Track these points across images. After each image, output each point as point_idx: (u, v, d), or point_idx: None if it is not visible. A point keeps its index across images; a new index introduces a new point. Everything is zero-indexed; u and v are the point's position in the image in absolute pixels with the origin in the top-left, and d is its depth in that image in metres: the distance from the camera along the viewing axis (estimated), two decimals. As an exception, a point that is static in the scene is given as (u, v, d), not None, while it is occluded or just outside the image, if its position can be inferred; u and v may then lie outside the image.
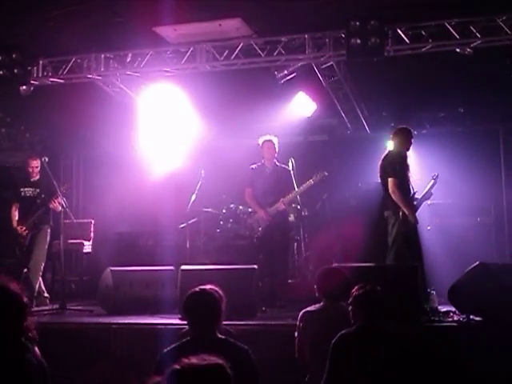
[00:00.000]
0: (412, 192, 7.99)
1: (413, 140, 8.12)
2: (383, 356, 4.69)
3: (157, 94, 10.50)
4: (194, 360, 2.59)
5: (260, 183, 8.97)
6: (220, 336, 4.26)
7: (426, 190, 8.31)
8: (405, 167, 7.93)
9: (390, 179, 7.85)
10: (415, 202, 8.04)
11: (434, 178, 8.39)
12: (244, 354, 4.17)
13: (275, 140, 8.96)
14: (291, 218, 10.06)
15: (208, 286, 5.59)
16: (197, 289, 4.41)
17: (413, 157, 8.33)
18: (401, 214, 7.75)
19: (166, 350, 4.21)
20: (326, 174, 8.76)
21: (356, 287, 5.07)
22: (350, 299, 5.02)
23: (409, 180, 7.95)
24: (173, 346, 4.23)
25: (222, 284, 4.67)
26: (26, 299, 3.48)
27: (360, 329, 4.93)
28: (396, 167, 7.91)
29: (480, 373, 5.89)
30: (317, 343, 5.27)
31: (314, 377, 5.26)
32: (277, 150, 8.96)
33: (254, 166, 9.08)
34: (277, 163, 9.02)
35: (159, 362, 4.15)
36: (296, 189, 8.85)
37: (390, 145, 8.27)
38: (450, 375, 6.02)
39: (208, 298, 4.32)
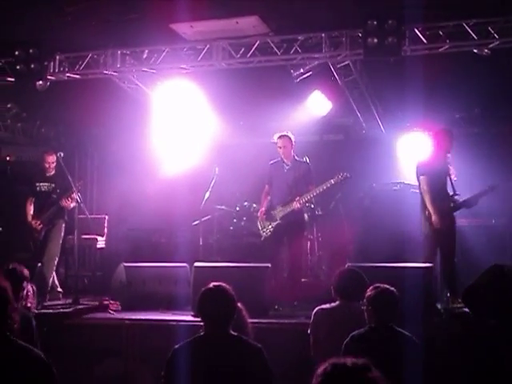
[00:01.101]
0: (452, 193, 7.94)
1: (452, 142, 8.04)
2: (394, 357, 4.67)
3: (172, 90, 10.51)
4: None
5: (279, 180, 8.80)
6: (233, 333, 4.23)
7: (473, 195, 8.15)
8: (439, 167, 7.90)
9: (421, 177, 7.94)
10: (452, 204, 7.96)
11: (490, 187, 8.12)
12: (257, 353, 4.15)
13: (290, 135, 8.78)
14: (305, 216, 10.05)
15: (220, 283, 5.60)
16: (211, 285, 4.39)
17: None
18: (427, 212, 7.84)
19: (177, 346, 4.21)
20: (349, 176, 8.41)
21: (370, 288, 5.06)
22: (364, 299, 5.02)
23: (445, 180, 7.91)
24: (185, 341, 4.23)
25: (235, 282, 4.66)
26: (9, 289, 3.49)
27: (372, 329, 4.92)
28: (428, 166, 7.97)
29: (493, 375, 5.85)
30: (329, 341, 5.28)
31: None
32: (289, 145, 8.74)
33: (272, 162, 8.93)
34: (296, 158, 8.85)
35: (172, 358, 4.15)
36: (315, 188, 8.68)
37: (400, 146, 8.20)
38: (463, 377, 5.99)
39: (223, 295, 4.30)
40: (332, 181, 8.45)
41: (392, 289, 5.01)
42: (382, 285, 5.05)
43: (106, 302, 7.29)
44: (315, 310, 5.79)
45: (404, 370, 4.56)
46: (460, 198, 8.06)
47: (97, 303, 7.44)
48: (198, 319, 4.38)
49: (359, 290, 5.43)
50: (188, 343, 4.22)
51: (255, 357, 4.12)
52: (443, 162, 7.97)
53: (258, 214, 8.87)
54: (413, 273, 6.88)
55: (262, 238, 8.82)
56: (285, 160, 8.79)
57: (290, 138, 8.75)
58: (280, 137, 8.77)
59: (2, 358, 3.26)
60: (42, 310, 6.43)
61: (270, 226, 8.72)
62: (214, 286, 4.37)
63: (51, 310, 6.38)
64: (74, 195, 8.99)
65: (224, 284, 4.40)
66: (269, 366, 4.15)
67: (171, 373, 4.11)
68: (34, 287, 6.03)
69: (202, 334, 4.24)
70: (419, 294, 6.43)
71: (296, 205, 8.54)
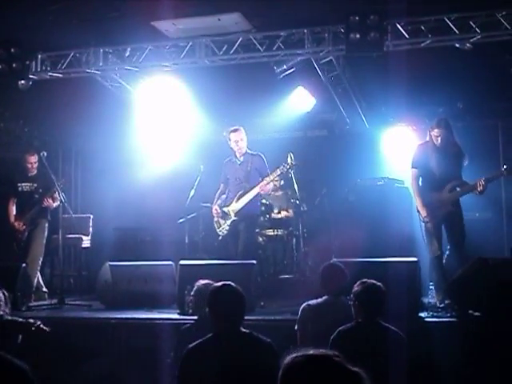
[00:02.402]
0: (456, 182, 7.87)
1: (431, 131, 7.94)
2: (381, 351, 4.69)
3: (156, 88, 10.47)
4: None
5: (232, 177, 8.76)
6: (244, 330, 4.28)
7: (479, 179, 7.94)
8: (429, 157, 7.88)
9: (410, 170, 8.01)
10: (452, 192, 7.85)
11: (507, 169, 7.74)
12: (268, 348, 4.18)
13: (242, 129, 8.69)
14: (290, 213, 10.06)
15: (206, 281, 5.61)
16: (219, 284, 4.45)
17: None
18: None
19: (192, 346, 4.21)
20: (295, 163, 8.40)
21: (357, 283, 5.07)
22: (351, 295, 5.03)
23: (438, 170, 7.84)
24: (199, 341, 4.23)
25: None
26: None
27: (358, 324, 4.93)
28: (415, 157, 7.99)
29: (479, 368, 5.89)
30: (318, 336, 5.28)
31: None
32: (244, 138, 8.68)
33: (226, 161, 8.90)
34: (248, 152, 8.78)
35: (187, 357, 4.17)
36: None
37: (384, 141, 8.13)
38: (449, 371, 6.03)
39: (234, 293, 4.37)
40: (278, 171, 8.42)
41: (379, 284, 5.02)
42: (368, 280, 5.05)
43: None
44: (302, 306, 5.79)
45: (390, 365, 4.58)
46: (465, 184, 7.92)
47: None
48: (184, 317, 4.38)
49: (343, 285, 5.44)
50: (202, 342, 4.22)
51: (268, 352, 4.14)
52: (434, 152, 7.90)
53: (213, 212, 8.80)
54: (398, 267, 6.90)
55: (220, 238, 8.78)
56: (237, 155, 8.74)
57: (243, 132, 8.71)
58: (234, 130, 8.72)
59: None
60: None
61: (225, 225, 8.66)
62: (224, 284, 4.43)
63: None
64: (57, 194, 8.95)
65: (208, 281, 4.40)
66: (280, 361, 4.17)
67: (187, 372, 4.13)
68: (6, 293, 5.98)
69: (214, 333, 4.25)
70: (404, 288, 6.46)
71: (247, 198, 8.48)
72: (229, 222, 8.61)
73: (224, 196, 8.86)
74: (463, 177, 7.97)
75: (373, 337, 4.81)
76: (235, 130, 8.71)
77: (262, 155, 8.77)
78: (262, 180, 8.47)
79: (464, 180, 7.89)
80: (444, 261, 7.69)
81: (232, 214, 8.58)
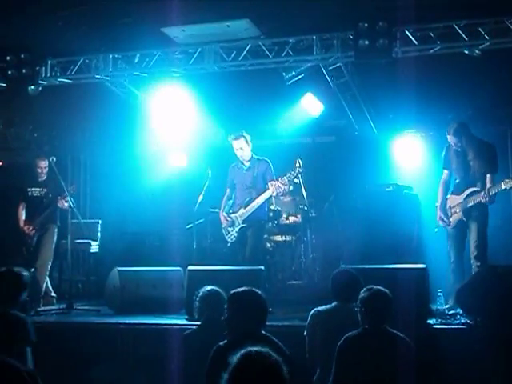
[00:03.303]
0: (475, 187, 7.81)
1: (447, 136, 7.95)
2: (388, 358, 4.68)
3: (164, 94, 10.51)
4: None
5: (239, 182, 8.76)
6: (264, 333, 4.39)
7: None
8: (453, 161, 7.88)
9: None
10: (465, 199, 7.78)
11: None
12: (285, 355, 4.21)
13: (245, 134, 8.63)
14: (298, 219, 10.06)
15: (210, 287, 5.62)
16: (244, 289, 4.55)
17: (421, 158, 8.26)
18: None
19: (221, 344, 4.34)
20: (301, 170, 8.36)
21: (364, 289, 5.06)
22: (358, 301, 5.02)
23: (460, 174, 7.85)
24: (226, 341, 4.36)
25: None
26: None
27: (365, 331, 4.92)
28: (443, 159, 8.05)
29: (488, 375, 5.87)
30: (327, 343, 5.27)
31: (323, 373, 5.27)
32: (245, 146, 8.62)
33: (233, 165, 8.89)
34: (255, 157, 8.75)
35: (217, 355, 4.29)
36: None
37: (392, 147, 8.06)
38: (457, 378, 6.01)
39: (259, 297, 4.52)
40: (285, 178, 8.36)
41: (385, 290, 5.01)
42: (375, 286, 5.05)
43: None
44: (312, 312, 5.78)
45: (397, 372, 4.57)
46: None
47: None
48: (192, 323, 4.40)
49: (354, 291, 5.43)
50: (229, 342, 4.33)
51: (283, 356, 4.20)
52: (455, 155, 7.88)
53: (221, 219, 8.80)
54: (406, 274, 6.87)
55: (228, 244, 8.77)
56: (243, 161, 8.75)
57: (245, 138, 8.63)
58: (235, 138, 8.65)
59: None
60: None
61: (234, 232, 8.65)
62: (248, 288, 4.58)
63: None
64: (67, 199, 8.98)
65: (212, 287, 4.43)
66: (293, 370, 4.24)
67: (214, 370, 4.19)
68: None
69: (240, 334, 4.35)
70: (413, 295, 6.44)
71: (255, 204, 8.46)
72: (237, 228, 8.61)
73: (231, 201, 8.86)
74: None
75: (380, 343, 4.80)
76: (236, 139, 8.64)
77: (268, 160, 8.76)
78: (271, 185, 8.43)
79: (491, 185, 7.66)
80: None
81: (240, 221, 8.58)
